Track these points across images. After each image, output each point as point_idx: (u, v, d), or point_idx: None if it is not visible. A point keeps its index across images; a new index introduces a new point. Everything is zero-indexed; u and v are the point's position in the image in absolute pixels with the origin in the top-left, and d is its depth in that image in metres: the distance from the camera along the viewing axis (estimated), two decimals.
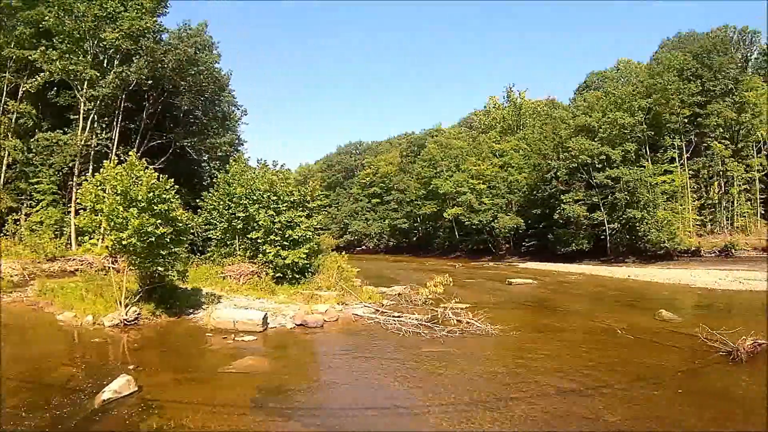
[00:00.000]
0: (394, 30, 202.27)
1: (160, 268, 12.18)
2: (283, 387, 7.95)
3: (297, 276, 16.93)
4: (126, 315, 11.40)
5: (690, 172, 39.16)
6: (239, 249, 17.95)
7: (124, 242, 10.90)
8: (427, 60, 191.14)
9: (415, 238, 59.68)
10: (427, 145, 54.99)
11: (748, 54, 49.24)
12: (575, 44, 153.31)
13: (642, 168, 36.97)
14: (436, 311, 13.84)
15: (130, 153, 12.58)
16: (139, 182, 11.47)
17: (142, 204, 11.21)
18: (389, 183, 64.25)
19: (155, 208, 11.42)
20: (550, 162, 39.75)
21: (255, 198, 17.39)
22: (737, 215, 39.47)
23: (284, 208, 16.97)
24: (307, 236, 17.05)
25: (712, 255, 36.01)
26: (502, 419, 6.76)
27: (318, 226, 18.97)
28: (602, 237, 37.27)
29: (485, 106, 60.06)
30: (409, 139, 68.54)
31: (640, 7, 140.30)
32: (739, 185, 39.30)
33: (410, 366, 9.49)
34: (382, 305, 15.04)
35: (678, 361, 10.08)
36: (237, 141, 30.75)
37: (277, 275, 16.63)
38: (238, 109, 31.54)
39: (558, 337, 12.41)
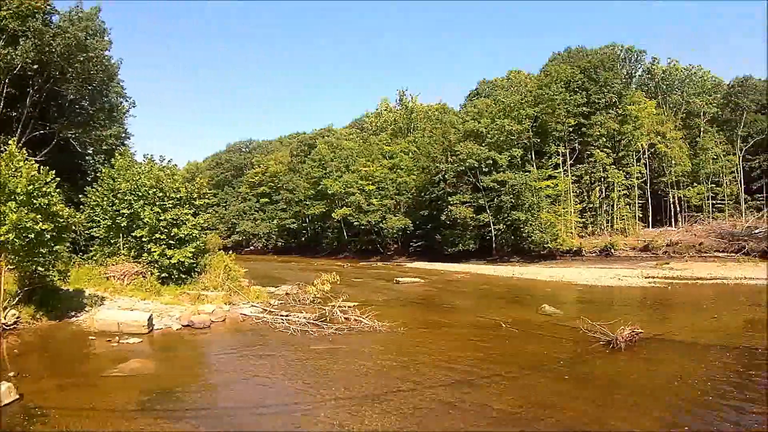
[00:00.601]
0: (288, 28, 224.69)
1: (40, 268, 13.28)
2: (171, 389, 9.23)
3: (183, 276, 19.23)
4: (4, 319, 12.16)
5: (573, 177, 50.15)
6: (123, 248, 19.80)
7: (0, 239, 11.74)
8: (321, 60, 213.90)
9: (303, 239, 69.33)
10: (318, 145, 64.46)
11: (633, 71, 63.52)
12: (470, 52, 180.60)
13: (527, 173, 47.01)
14: (324, 310, 16.46)
15: (10, 142, 13.83)
16: (19, 174, 12.50)
17: (21, 197, 12.18)
18: (278, 182, 73.37)
19: (35, 202, 12.33)
20: (438, 165, 48.91)
21: (140, 194, 19.43)
22: (617, 218, 51.38)
23: (170, 205, 19.28)
24: (194, 235, 19.33)
25: (593, 254, 46.59)
26: (392, 411, 8.34)
27: (205, 225, 21.59)
28: (488, 237, 46.79)
29: (377, 109, 71.03)
30: (300, 139, 78.95)
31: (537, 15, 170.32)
32: (619, 191, 51.46)
33: (299, 364, 11.52)
34: (270, 305, 17.84)
35: (562, 351, 12.86)
36: (124, 134, 33.73)
37: (163, 275, 18.70)
38: (127, 100, 34.30)
39: (445, 332, 15.35)
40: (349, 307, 16.83)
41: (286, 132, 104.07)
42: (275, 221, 72.66)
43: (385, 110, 68.24)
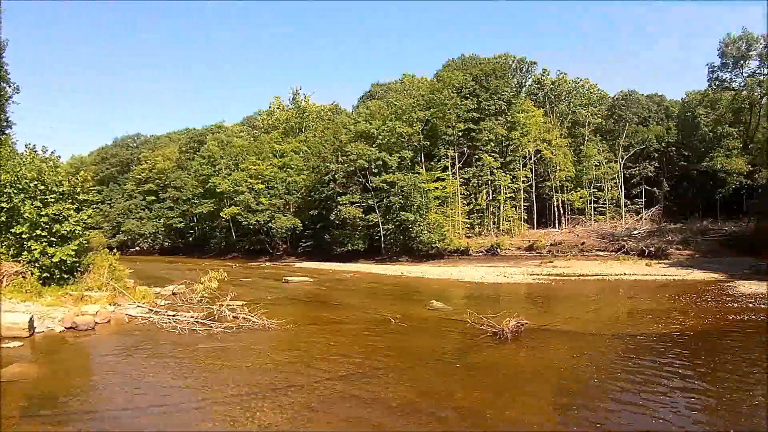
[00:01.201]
0: (182, 20, 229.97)
1: None
2: (56, 393, 9.61)
3: (65, 276, 19.53)
4: None
5: (461, 180, 56.42)
6: (2, 246, 19.71)
7: None
8: (216, 55, 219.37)
9: (191, 239, 72.27)
10: (208, 142, 67.74)
11: (524, 81, 72.36)
12: (366, 53, 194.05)
13: (417, 174, 52.46)
14: (213, 309, 17.60)
15: None
16: None
17: None
18: (166, 180, 75.68)
19: None
20: (329, 165, 53.54)
21: (21, 187, 19.38)
22: (503, 219, 58.31)
23: (52, 200, 19.40)
24: (77, 232, 19.53)
25: (480, 254, 52.57)
26: (286, 406, 9.10)
27: (89, 222, 21.77)
28: (377, 237, 51.75)
29: (270, 107, 75.15)
30: (189, 135, 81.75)
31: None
32: (506, 193, 58.41)
33: (188, 363, 12.24)
34: (157, 305, 18.71)
35: (451, 344, 14.45)
36: (5, 123, 33.57)
37: (44, 275, 18.89)
38: (10, 85, 34.08)
39: (335, 329, 16.85)
40: (237, 305, 17.85)
41: (176, 127, 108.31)
42: (162, 220, 74.89)
43: (278, 108, 72.46)
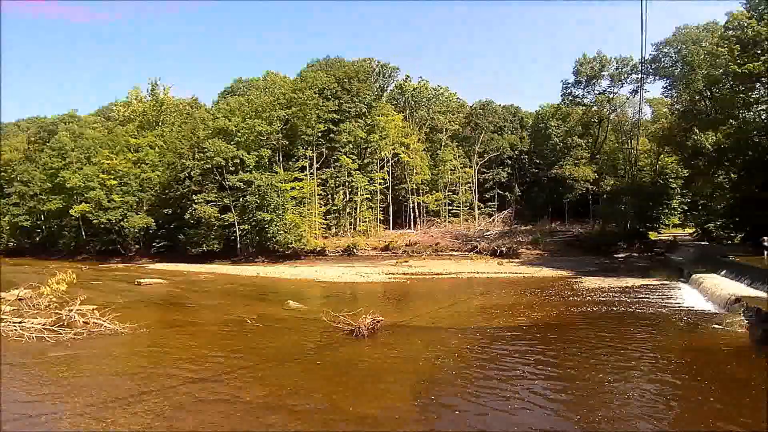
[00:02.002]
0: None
1: None
2: None
3: None
4: None
5: (319, 180, 64.79)
6: None
7: None
8: (70, 38, 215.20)
9: (38, 239, 73.99)
10: (59, 133, 70.10)
11: (386, 85, 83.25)
12: (229, 49, 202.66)
13: (274, 174, 59.44)
14: (62, 314, 18.23)
15: None
16: None
17: None
18: (12, 173, 76.15)
19: None
20: (185, 161, 59.10)
21: None
22: (360, 220, 67.68)
23: None
24: None
25: (337, 254, 60.30)
26: (140, 412, 10.10)
27: None
28: (233, 237, 57.77)
29: (127, 97, 78.97)
30: (39, 124, 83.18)
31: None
32: (363, 195, 67.62)
33: (37, 373, 12.88)
34: (1, 311, 19.21)
35: (308, 342, 16.40)
36: None
37: None
38: None
39: (191, 331, 18.18)
40: (88, 310, 18.66)
41: (25, 115, 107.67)
42: (7, 218, 75.08)
43: (135, 100, 76.17)
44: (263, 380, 12.55)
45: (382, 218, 72.86)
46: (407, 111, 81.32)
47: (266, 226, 56.36)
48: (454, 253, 59.48)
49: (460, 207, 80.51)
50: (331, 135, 65.86)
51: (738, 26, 43.63)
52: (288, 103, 62.61)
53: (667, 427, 10.02)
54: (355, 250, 61.07)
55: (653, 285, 31.85)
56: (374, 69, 79.20)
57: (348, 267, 47.65)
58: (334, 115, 65.16)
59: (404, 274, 41.36)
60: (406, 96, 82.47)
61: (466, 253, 58.42)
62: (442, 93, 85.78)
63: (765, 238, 34.67)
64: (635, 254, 56.80)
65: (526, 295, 27.61)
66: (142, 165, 64.35)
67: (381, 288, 32.95)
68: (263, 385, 12.06)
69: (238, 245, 58.14)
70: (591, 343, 16.76)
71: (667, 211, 66.89)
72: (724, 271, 30.27)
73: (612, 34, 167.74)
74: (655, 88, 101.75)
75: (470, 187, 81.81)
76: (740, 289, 24.14)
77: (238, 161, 57.82)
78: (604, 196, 70.63)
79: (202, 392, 11.58)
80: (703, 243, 55.87)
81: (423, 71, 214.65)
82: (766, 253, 33.39)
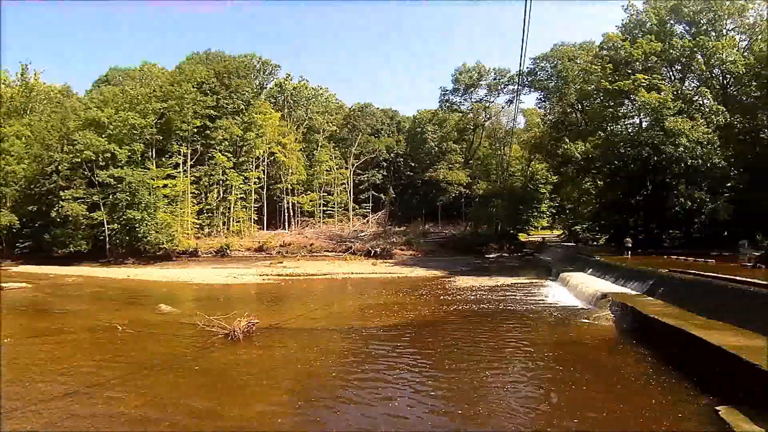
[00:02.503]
0: None
1: None
2: None
3: None
4: None
5: (192, 178, 67.53)
6: None
7: None
8: None
9: None
10: None
11: (265, 83, 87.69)
12: (104, 35, 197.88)
13: (146, 170, 60.95)
14: None
15: None
16: None
17: None
18: None
19: None
20: (53, 154, 58.64)
21: None
22: (233, 220, 71.70)
23: None
24: None
25: (210, 255, 62.92)
26: None
27: None
28: (102, 237, 57.81)
29: None
30: None
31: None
32: (237, 194, 71.67)
33: None
34: None
35: (182, 348, 16.51)
36: None
37: None
38: None
39: (58, 340, 17.89)
40: None
41: None
42: None
43: (3, 84, 72.71)
44: (139, 390, 12.62)
45: (256, 218, 76.74)
46: (286, 110, 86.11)
47: (137, 225, 57.09)
48: (329, 253, 64.05)
49: (335, 208, 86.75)
50: (207, 131, 67.95)
51: (612, 47, 52.11)
52: (164, 96, 63.95)
53: (546, 415, 10.98)
54: (228, 251, 64.03)
55: (524, 283, 35.24)
56: (255, 65, 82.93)
57: (221, 268, 49.21)
58: (212, 111, 67.39)
59: (279, 275, 43.07)
60: (286, 95, 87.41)
61: (341, 253, 62.99)
62: (322, 93, 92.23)
63: (627, 239, 39.73)
64: (506, 254, 64.41)
65: (401, 294, 29.33)
66: (7, 156, 63.46)
67: (255, 290, 34.39)
68: (139, 396, 12.19)
69: (108, 246, 58.45)
70: (467, 339, 17.98)
71: (536, 214, 77.29)
72: (591, 270, 33.89)
73: (493, 45, 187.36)
74: (529, 99, 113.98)
75: (345, 188, 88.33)
76: (606, 286, 26.85)
77: (110, 156, 58.10)
78: (477, 199, 78.78)
79: (74, 407, 11.46)
80: (570, 244, 64.93)
81: (304, 71, 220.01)
82: (628, 253, 38.07)
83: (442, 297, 28.77)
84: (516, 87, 73.30)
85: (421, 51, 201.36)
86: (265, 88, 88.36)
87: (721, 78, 51.88)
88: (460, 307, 25.39)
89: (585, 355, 15.98)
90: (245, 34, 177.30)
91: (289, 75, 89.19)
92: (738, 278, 17.69)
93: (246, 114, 72.74)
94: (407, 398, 12.04)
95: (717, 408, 10.28)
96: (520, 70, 62.35)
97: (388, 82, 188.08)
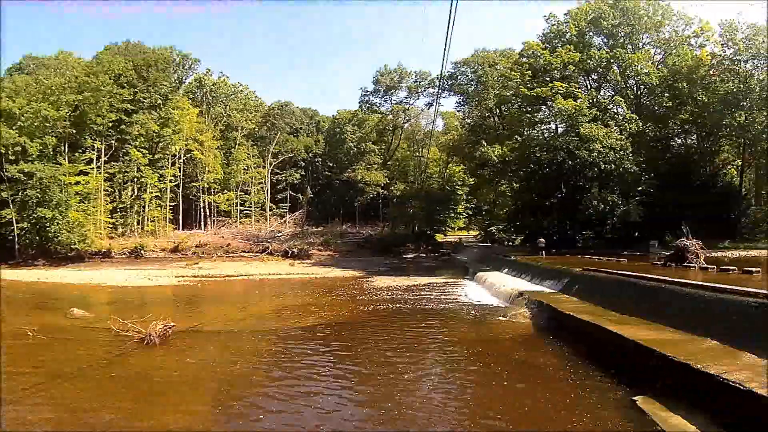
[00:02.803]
0: None
1: None
2: None
3: None
4: None
5: (106, 174, 66.04)
6: None
7: None
8: None
9: None
10: None
11: (184, 77, 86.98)
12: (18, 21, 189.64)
13: (58, 165, 58.91)
14: None
15: None
16: None
17: None
18: None
19: None
20: None
21: None
22: (148, 219, 70.80)
23: None
24: None
25: (124, 256, 61.97)
26: None
27: None
28: (10, 237, 55.11)
29: None
30: None
31: None
32: (152, 192, 70.94)
33: None
34: None
35: (95, 354, 16.16)
36: None
37: None
38: None
39: None
40: None
41: None
42: None
43: None
44: (51, 401, 12.31)
45: (171, 218, 76.17)
46: (204, 106, 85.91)
47: (47, 224, 55.28)
48: (246, 254, 64.62)
49: (252, 207, 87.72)
50: (123, 126, 66.78)
51: (532, 55, 55.54)
52: (80, 87, 62.27)
53: (470, 411, 11.43)
54: (143, 252, 63.41)
55: (442, 283, 36.35)
56: (174, 59, 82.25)
57: (136, 270, 48.71)
58: (128, 104, 66.34)
59: (195, 276, 43.32)
60: (205, 90, 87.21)
61: (258, 254, 63.66)
62: (241, 90, 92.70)
63: (541, 239, 41.43)
64: (423, 255, 67.15)
65: (319, 295, 29.94)
66: None
67: (172, 291, 34.24)
68: (52, 406, 11.92)
69: (17, 246, 56.00)
70: (386, 339, 18.38)
71: (453, 215, 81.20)
72: (507, 269, 35.35)
73: (416, 48, 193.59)
74: (449, 103, 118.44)
75: (263, 187, 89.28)
76: (522, 284, 28.09)
77: (20, 149, 55.90)
78: (395, 200, 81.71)
79: None
80: (486, 245, 68.24)
81: (224, 67, 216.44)
82: (542, 253, 39.73)
83: (360, 297, 29.64)
84: (436, 90, 76.85)
85: (345, 51, 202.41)
86: (184, 82, 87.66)
87: (635, 88, 56.78)
88: (379, 307, 26.05)
89: (504, 352, 16.44)
90: (163, 27, 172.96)
91: (209, 70, 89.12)
92: (650, 276, 18.99)
93: (163, 109, 72.13)
94: (332, 398, 12.28)
95: (634, 398, 11.06)
96: (441, 74, 66.22)
97: (309, 81, 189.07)
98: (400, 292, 31.32)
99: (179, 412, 11.40)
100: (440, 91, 72.71)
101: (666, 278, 17.91)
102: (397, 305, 26.54)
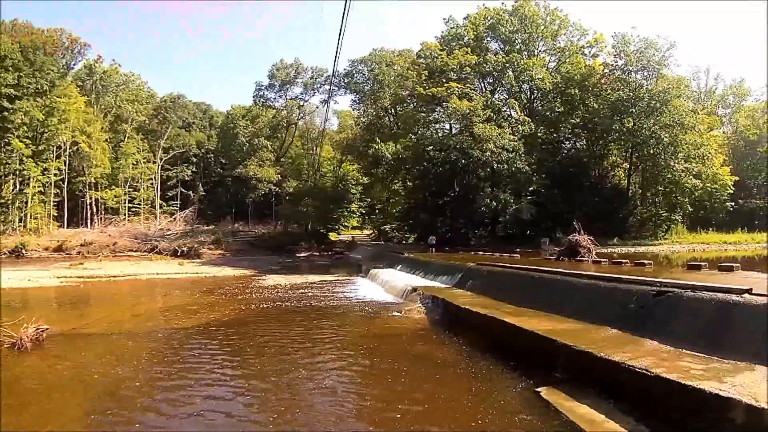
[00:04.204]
0: None
1: None
2: None
3: None
4: None
5: None
6: None
7: None
8: None
9: None
10: None
11: (72, 62, 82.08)
12: None
13: None
14: None
15: None
16: None
17: None
18: None
19: None
20: None
21: None
22: (31, 217, 67.08)
23: None
24: None
25: (3, 255, 57.25)
26: None
27: None
28: None
29: None
30: None
31: None
32: (35, 187, 66.95)
33: None
34: None
35: None
36: None
37: None
38: None
39: None
40: None
41: None
42: None
43: None
44: None
45: (56, 215, 72.56)
46: (93, 95, 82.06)
47: None
48: (134, 253, 62.28)
49: (141, 205, 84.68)
50: (5, 113, 63.58)
51: (429, 55, 57.63)
52: None
53: (369, 408, 11.23)
54: (24, 251, 60.03)
55: (334, 280, 36.01)
56: (64, 42, 77.80)
57: (16, 271, 44.83)
58: (12, 90, 63.17)
59: (79, 276, 41.27)
60: (95, 79, 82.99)
61: (146, 253, 61.68)
62: (134, 80, 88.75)
63: (432, 237, 43.01)
64: (317, 253, 66.73)
65: (208, 294, 29.38)
66: None
67: (54, 293, 32.51)
68: None
69: None
70: (278, 338, 18.01)
71: (347, 213, 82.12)
72: (400, 266, 35.39)
73: (317, 45, 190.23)
74: (345, 101, 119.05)
75: (153, 184, 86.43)
76: (416, 280, 28.26)
77: None
78: (287, 197, 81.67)
79: None
80: (380, 243, 69.68)
81: (116, 54, 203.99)
82: (432, 250, 41.30)
83: (250, 296, 29.05)
84: (329, 85, 76.50)
85: (243, 46, 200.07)
86: (72, 68, 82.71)
87: (529, 93, 60.70)
88: (270, 306, 25.54)
89: (400, 348, 16.01)
90: (55, 9, 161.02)
91: (101, 57, 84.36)
92: (545, 268, 19.31)
93: (49, 96, 68.35)
94: (222, 403, 11.57)
95: (537, 389, 10.86)
96: (334, 70, 66.49)
97: (205, 76, 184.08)
98: (291, 291, 31.05)
99: (48, 422, 10.55)
100: (336, 89, 74.09)
101: (561, 270, 18.30)
102: (289, 303, 26.26)
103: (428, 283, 27.12)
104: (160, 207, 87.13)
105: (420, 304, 22.38)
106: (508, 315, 15.35)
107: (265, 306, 25.57)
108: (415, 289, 24.75)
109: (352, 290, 31.21)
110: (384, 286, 30.24)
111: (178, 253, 59.83)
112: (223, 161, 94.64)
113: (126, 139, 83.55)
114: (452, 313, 18.79)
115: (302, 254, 65.32)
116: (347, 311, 24.18)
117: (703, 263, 17.64)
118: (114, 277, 41.99)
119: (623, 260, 21.87)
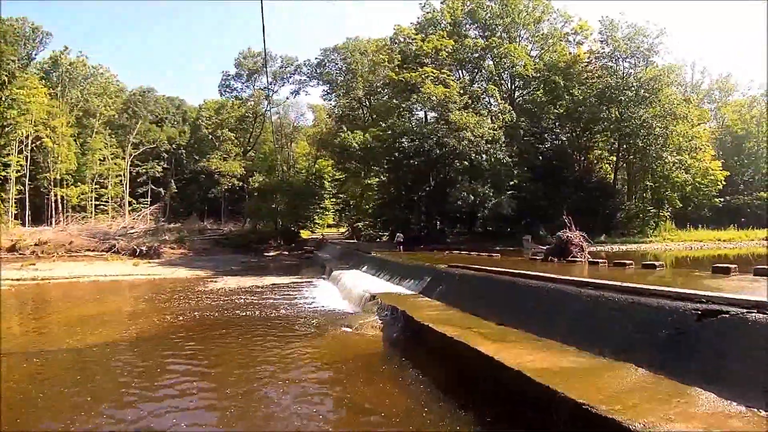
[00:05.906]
0: None
1: None
2: None
3: None
4: None
5: None
6: None
7: None
8: None
9: None
10: None
11: (33, 52, 76.85)
12: None
13: None
14: None
15: None
16: None
17: None
18: None
19: None
20: None
21: None
22: None
23: None
24: None
25: None
26: None
27: None
28: None
29: None
30: None
31: None
32: None
33: None
34: None
35: None
36: None
37: None
38: None
39: None
40: None
41: None
42: None
43: None
44: None
45: (17, 213, 69.53)
46: (59, 88, 78.24)
47: None
48: (90, 253, 58.57)
49: (108, 202, 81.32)
50: None
51: (404, 40, 54.53)
52: None
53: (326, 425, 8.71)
54: None
55: (294, 283, 33.56)
56: (26, 32, 73.77)
57: None
58: None
59: (20, 279, 39.21)
60: (61, 71, 79.25)
61: (104, 252, 58.31)
62: (102, 73, 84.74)
63: (399, 234, 41.33)
64: (286, 252, 63.66)
65: (150, 300, 27.54)
66: None
67: None
68: None
69: None
70: (217, 351, 15.21)
71: (320, 210, 78.89)
72: (366, 267, 32.49)
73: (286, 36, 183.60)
74: (317, 92, 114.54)
75: (121, 180, 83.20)
76: (379, 284, 24.78)
77: None
78: (255, 193, 77.14)
79: None
80: (352, 241, 66.08)
81: (82, 46, 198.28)
82: (400, 248, 39.44)
83: (193, 302, 26.16)
84: (302, 78, 74.51)
85: (218, 40, 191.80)
86: (34, 59, 78.69)
87: (509, 82, 58.04)
88: (208, 315, 22.06)
89: (334, 387, 11.48)
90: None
91: (67, 48, 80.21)
92: (533, 273, 14.71)
93: (8, 88, 65.40)
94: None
95: None
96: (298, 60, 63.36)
97: (178, 70, 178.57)
98: (241, 295, 28.01)
99: None
100: (308, 79, 72.04)
101: (555, 276, 13.50)
102: (224, 313, 22.61)
103: (392, 288, 23.07)
104: (130, 204, 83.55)
105: (377, 317, 18.07)
106: (484, 340, 10.61)
107: (201, 314, 21.89)
108: (373, 297, 20.56)
109: (308, 295, 27.64)
110: (343, 290, 26.63)
111: (137, 253, 56.43)
112: (196, 157, 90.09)
113: (93, 134, 79.96)
114: (414, 330, 14.24)
115: (270, 253, 62.28)
116: (289, 325, 19.55)
117: (731, 265, 12.98)
118: (57, 279, 38.93)
119: (625, 261, 16.92)
